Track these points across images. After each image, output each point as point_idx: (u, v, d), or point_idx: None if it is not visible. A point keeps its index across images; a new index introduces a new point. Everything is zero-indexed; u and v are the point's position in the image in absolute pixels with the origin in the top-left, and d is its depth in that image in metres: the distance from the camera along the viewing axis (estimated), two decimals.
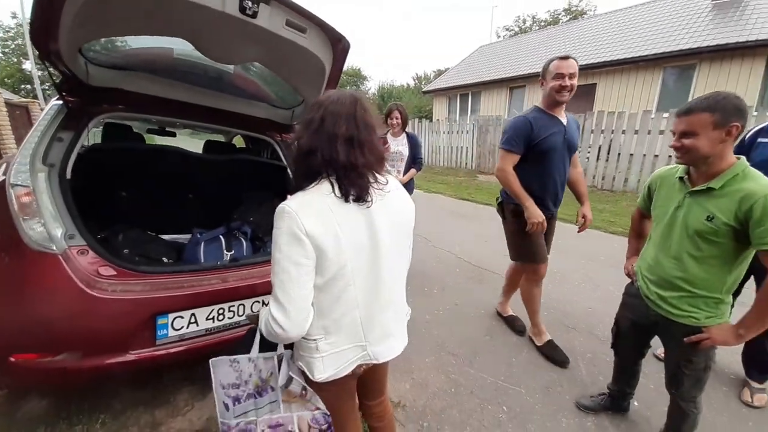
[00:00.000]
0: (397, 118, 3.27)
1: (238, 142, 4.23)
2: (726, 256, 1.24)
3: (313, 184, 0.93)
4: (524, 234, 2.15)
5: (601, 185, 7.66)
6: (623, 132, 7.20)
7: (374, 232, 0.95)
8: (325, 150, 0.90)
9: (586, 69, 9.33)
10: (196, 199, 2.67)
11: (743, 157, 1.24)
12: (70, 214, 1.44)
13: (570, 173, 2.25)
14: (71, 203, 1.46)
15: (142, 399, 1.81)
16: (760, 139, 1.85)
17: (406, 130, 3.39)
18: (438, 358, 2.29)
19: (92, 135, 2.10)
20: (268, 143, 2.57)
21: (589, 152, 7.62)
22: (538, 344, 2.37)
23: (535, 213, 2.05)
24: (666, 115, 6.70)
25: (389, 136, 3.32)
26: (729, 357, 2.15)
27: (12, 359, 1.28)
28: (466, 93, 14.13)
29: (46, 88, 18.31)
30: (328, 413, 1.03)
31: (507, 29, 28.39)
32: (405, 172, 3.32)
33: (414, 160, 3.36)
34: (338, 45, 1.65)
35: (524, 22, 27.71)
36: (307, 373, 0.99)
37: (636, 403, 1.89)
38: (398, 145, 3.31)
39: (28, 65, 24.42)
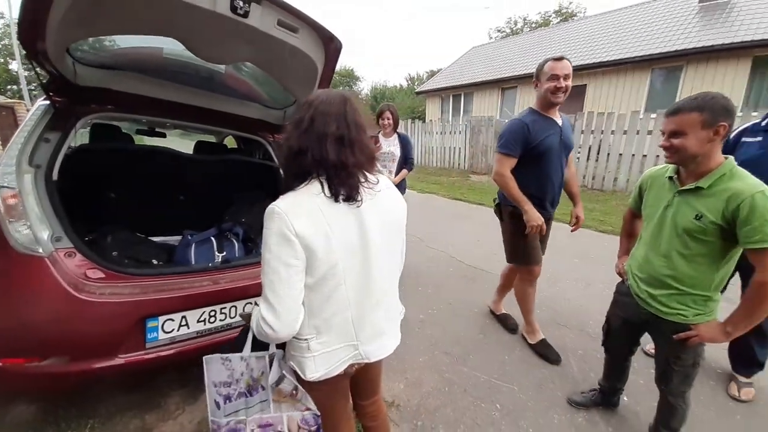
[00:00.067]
0: (388, 119, 3.28)
1: (230, 142, 4.18)
2: (714, 255, 1.26)
3: (303, 184, 0.93)
4: (522, 236, 2.14)
5: (591, 185, 7.75)
6: (612, 132, 7.29)
7: (365, 232, 0.95)
8: (315, 150, 0.90)
9: (576, 70, 9.17)
10: (187, 200, 2.64)
11: (731, 157, 1.26)
12: (57, 216, 1.41)
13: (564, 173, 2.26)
14: (58, 205, 1.44)
15: (132, 403, 1.79)
16: (744, 139, 1.89)
17: (398, 130, 3.40)
18: (431, 357, 2.29)
19: (80, 136, 2.06)
20: (260, 144, 2.55)
21: (579, 152, 7.71)
22: (531, 342, 2.39)
23: (534, 216, 2.04)
24: (654, 115, 6.80)
25: (380, 137, 3.32)
26: (716, 352, 2.19)
27: None
28: (459, 94, 14.19)
29: (33, 88, 17.96)
30: (318, 414, 1.03)
31: (499, 30, 28.66)
32: (397, 173, 3.33)
33: (405, 161, 3.37)
34: (330, 45, 1.64)
35: (515, 23, 28.00)
36: (299, 372, 0.99)
37: (626, 399, 1.92)
38: (390, 146, 3.31)
39: (15, 65, 23.97)
